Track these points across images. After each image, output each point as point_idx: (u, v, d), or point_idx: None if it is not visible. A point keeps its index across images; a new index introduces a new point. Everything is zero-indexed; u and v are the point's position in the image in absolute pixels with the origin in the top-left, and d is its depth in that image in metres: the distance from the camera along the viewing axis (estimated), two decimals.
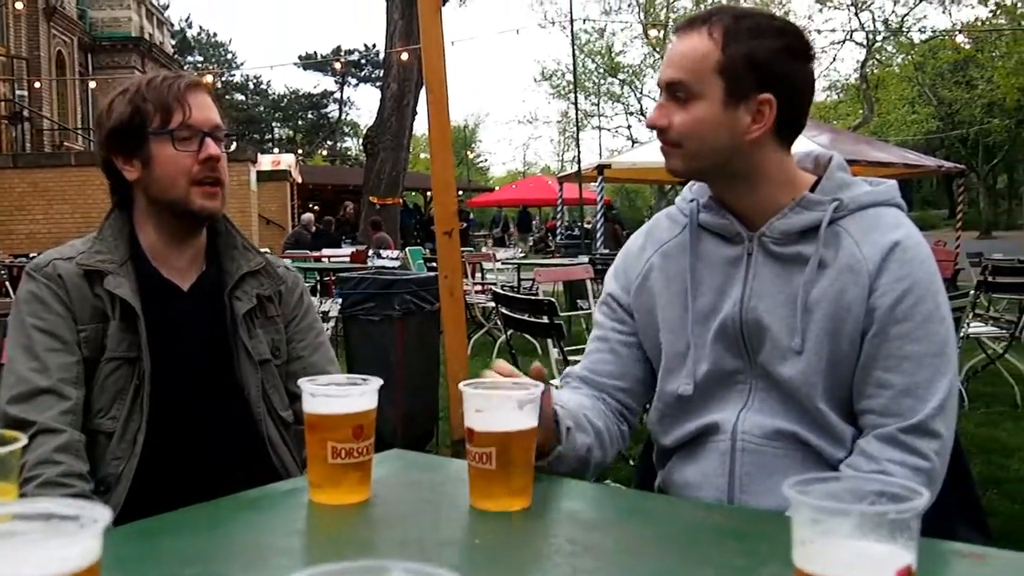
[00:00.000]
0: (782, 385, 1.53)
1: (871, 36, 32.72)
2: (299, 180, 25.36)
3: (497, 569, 1.08)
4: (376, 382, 1.34)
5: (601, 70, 39.55)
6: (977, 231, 36.05)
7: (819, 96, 44.08)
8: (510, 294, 5.29)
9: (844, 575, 0.78)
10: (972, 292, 6.13)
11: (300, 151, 43.81)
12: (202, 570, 1.07)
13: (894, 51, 36.70)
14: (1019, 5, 30.06)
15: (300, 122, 58.26)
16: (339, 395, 1.33)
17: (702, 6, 33.89)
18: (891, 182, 1.62)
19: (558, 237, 20.92)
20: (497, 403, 1.28)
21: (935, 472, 1.46)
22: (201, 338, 1.79)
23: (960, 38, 27.21)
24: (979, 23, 31.16)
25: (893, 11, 33.71)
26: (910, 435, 1.45)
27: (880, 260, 1.49)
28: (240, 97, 54.23)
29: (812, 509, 0.79)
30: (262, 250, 2.00)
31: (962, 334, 6.13)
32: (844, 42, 33.90)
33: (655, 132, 1.57)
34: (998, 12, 30.99)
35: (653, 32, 32.73)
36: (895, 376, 1.47)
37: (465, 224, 25.23)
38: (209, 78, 25.60)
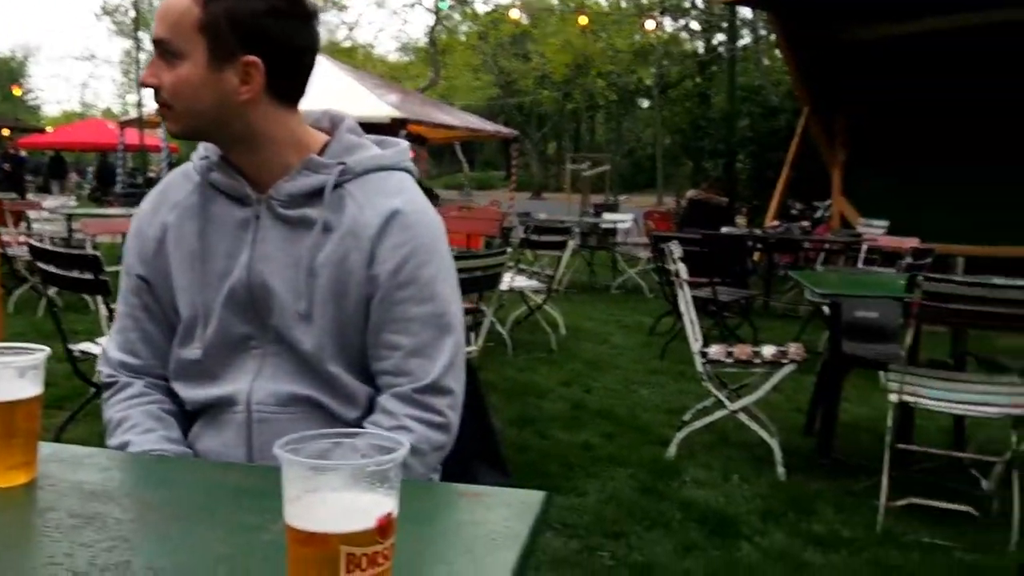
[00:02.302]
0: (293, 349, 1.54)
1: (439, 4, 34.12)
2: None
3: None
4: None
5: None
6: (530, 192, 39.25)
7: (391, 56, 45.26)
8: (49, 248, 4.85)
9: (329, 528, 0.81)
10: (512, 249, 6.64)
11: None
12: None
13: (460, 20, 38.64)
14: None
15: None
16: None
17: None
18: (402, 145, 1.66)
19: (119, 186, 19.57)
20: None
21: (450, 424, 1.56)
22: None
23: (516, 13, 29.22)
24: (534, 1, 33.74)
25: None
26: (424, 394, 1.53)
27: (381, 226, 1.52)
28: None
29: (301, 467, 0.82)
30: None
31: (507, 287, 6.66)
32: (414, 6, 35.01)
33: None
34: None
35: None
36: (403, 338, 1.52)
37: (15, 162, 22.69)
38: None
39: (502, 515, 1.15)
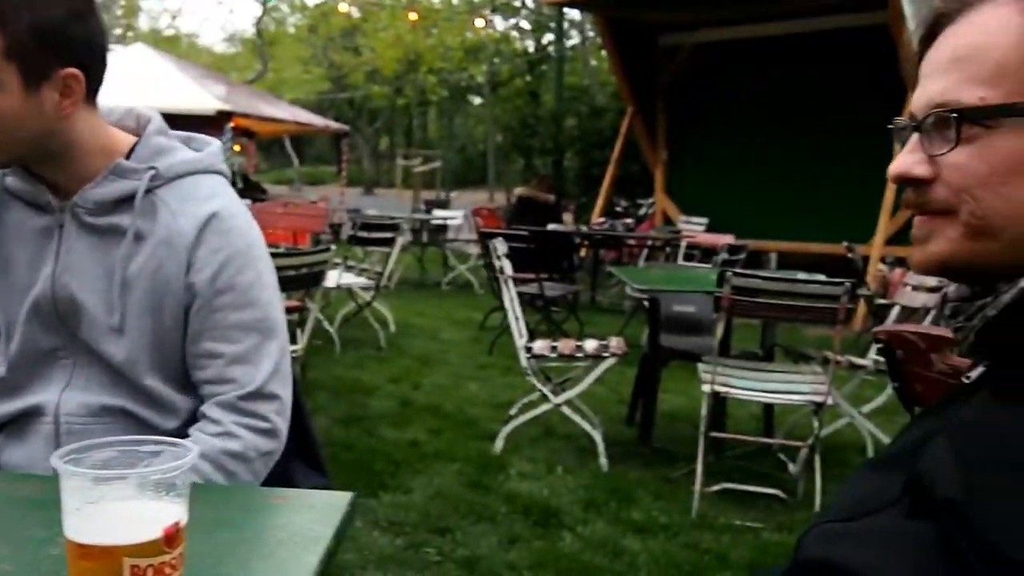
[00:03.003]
0: (106, 363, 1.47)
1: None
2: None
3: None
4: None
5: None
6: (362, 188, 38.89)
7: (217, 47, 43.88)
8: None
9: (111, 540, 0.79)
10: (335, 247, 6.57)
11: None
12: None
13: (289, 11, 37.88)
14: None
15: None
16: None
17: None
18: (214, 146, 1.59)
19: None
20: None
21: (278, 430, 1.53)
22: None
23: (345, 7, 28.88)
24: None
25: None
26: (249, 401, 1.49)
27: (197, 233, 1.46)
28: None
29: (81, 478, 0.79)
30: None
31: (335, 284, 6.59)
32: None
33: None
34: None
35: None
36: (224, 345, 1.48)
37: None
38: None
39: (307, 518, 1.15)
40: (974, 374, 0.84)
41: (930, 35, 0.81)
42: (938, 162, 0.77)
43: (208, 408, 1.50)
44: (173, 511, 0.81)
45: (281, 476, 1.71)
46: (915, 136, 0.79)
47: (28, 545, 1.01)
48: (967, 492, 0.67)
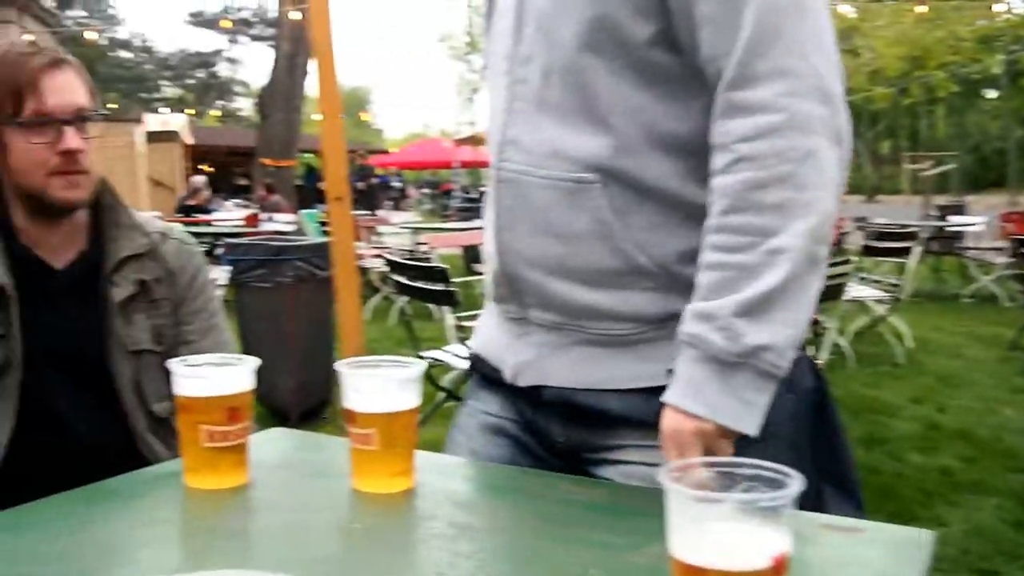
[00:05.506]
0: None
1: None
2: (190, 141, 24.55)
3: (374, 556, 1.05)
4: (252, 362, 1.29)
5: None
6: (863, 195, 37.23)
7: None
8: (403, 261, 5.22)
9: (717, 563, 0.77)
10: (854, 258, 6.31)
11: (191, 111, 42.33)
12: (60, 569, 1.00)
13: None
14: None
15: (190, 81, 56.36)
16: (211, 376, 1.27)
17: None
18: None
19: (454, 201, 20.84)
20: (378, 384, 1.24)
21: (786, 108, 1.06)
22: (72, 322, 1.67)
23: (843, 7, 27.83)
24: None
25: None
26: (735, 91, 1.10)
27: None
28: (126, 55, 52.03)
29: (684, 496, 0.78)
30: (155, 217, 1.88)
31: (846, 297, 6.33)
32: None
33: None
34: None
35: None
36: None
37: (375, 180, 24.78)
38: (92, 35, 24.50)
39: (881, 554, 1.05)
40: None
41: None
42: None
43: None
44: (780, 541, 0.77)
45: (810, 501, 1.61)
46: None
47: (612, 552, 1.04)
48: None
